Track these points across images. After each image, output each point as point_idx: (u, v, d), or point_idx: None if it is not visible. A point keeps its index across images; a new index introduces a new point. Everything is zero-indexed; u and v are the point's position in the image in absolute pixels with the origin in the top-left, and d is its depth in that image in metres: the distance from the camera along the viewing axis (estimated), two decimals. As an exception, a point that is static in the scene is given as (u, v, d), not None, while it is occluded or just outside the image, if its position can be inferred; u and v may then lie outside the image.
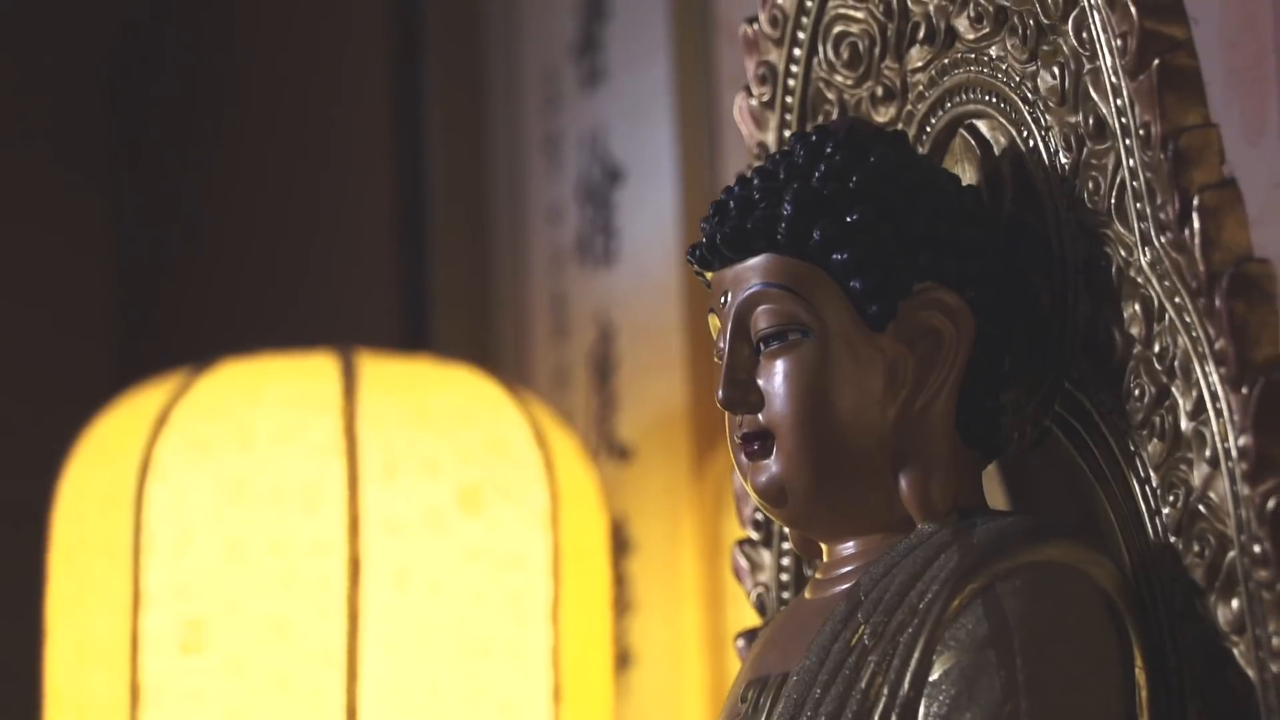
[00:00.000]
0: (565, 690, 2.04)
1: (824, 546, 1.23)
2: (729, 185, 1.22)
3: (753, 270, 1.17)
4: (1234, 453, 1.00)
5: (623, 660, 2.41)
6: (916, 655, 1.07)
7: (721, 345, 1.19)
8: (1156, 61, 1.05)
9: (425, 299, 3.06)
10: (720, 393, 1.18)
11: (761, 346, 1.17)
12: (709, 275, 1.23)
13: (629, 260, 2.55)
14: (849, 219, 1.14)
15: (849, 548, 1.20)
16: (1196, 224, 1.01)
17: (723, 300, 1.19)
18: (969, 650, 1.05)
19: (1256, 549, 0.98)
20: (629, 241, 2.56)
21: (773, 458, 1.16)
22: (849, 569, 1.18)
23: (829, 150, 1.19)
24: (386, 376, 2.08)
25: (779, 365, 1.15)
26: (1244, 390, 0.98)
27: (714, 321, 1.21)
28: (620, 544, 2.42)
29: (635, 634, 2.43)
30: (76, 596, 2.07)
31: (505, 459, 2.07)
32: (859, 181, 1.16)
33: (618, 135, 2.61)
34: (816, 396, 1.14)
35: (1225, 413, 1.00)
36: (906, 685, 1.06)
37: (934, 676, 1.06)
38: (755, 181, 1.19)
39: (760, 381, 1.17)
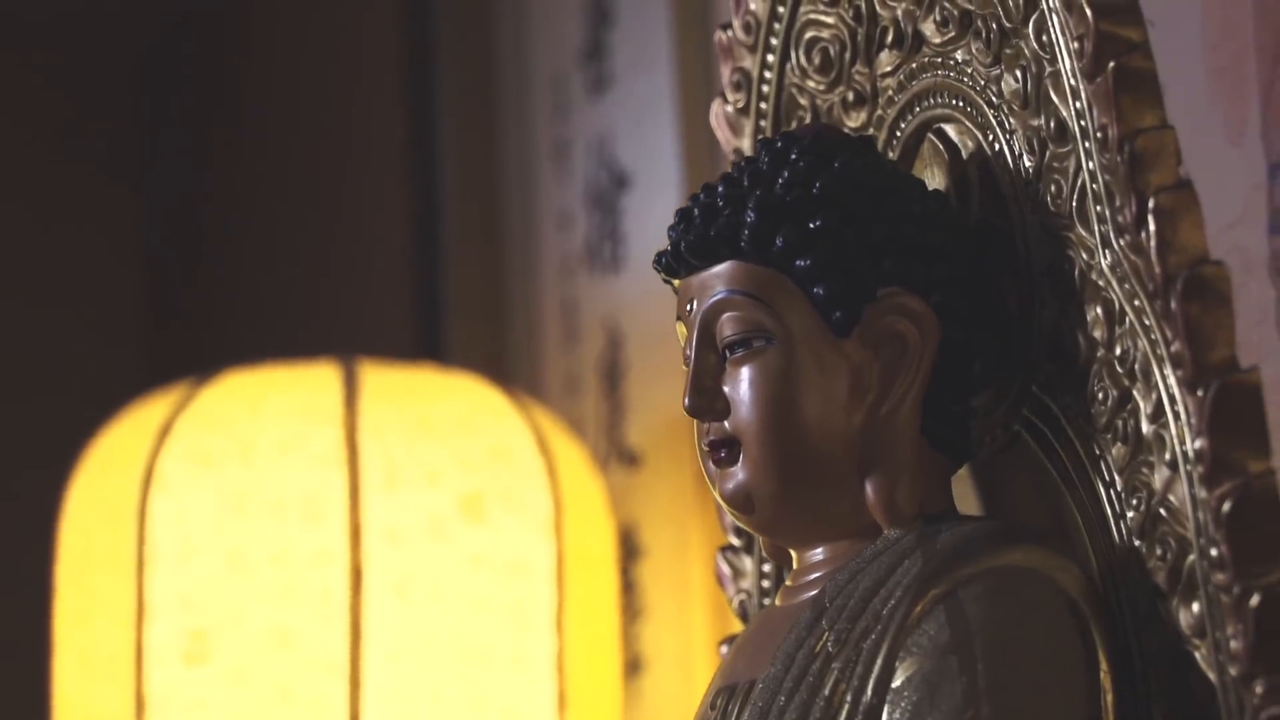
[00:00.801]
0: (570, 697, 2.04)
1: (793, 553, 1.22)
2: (695, 192, 1.22)
3: (717, 277, 1.17)
4: (1191, 455, 0.99)
5: (633, 666, 2.41)
6: (879, 662, 1.06)
7: (688, 353, 1.19)
8: (1112, 64, 1.04)
9: (439, 306, 3.07)
10: (686, 400, 1.18)
11: (727, 354, 1.17)
12: (676, 283, 1.23)
13: (636, 266, 2.55)
14: (812, 225, 1.14)
15: (817, 554, 1.19)
16: (1152, 226, 1.01)
17: (689, 308, 1.20)
18: (931, 656, 1.05)
19: (1214, 552, 0.97)
20: (636, 247, 2.56)
21: (739, 465, 1.16)
22: (817, 575, 1.18)
23: (793, 156, 1.19)
24: (388, 386, 2.09)
25: (744, 372, 1.15)
26: (1199, 393, 0.98)
27: (681, 329, 1.22)
28: (629, 549, 2.42)
29: (645, 639, 2.43)
30: (82, 608, 2.09)
31: (507, 467, 2.07)
32: (822, 187, 1.15)
33: (624, 141, 2.61)
34: (781, 403, 1.14)
35: (1183, 415, 1.00)
36: (870, 692, 1.06)
37: (896, 683, 1.05)
38: (720, 188, 1.20)
39: (726, 389, 1.17)
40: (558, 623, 2.04)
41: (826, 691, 1.08)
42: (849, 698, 1.07)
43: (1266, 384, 1.00)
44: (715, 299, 1.17)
